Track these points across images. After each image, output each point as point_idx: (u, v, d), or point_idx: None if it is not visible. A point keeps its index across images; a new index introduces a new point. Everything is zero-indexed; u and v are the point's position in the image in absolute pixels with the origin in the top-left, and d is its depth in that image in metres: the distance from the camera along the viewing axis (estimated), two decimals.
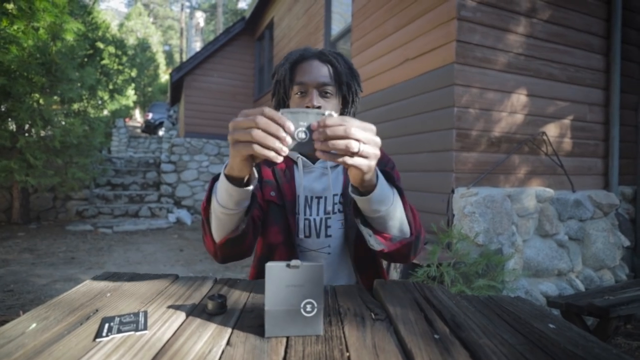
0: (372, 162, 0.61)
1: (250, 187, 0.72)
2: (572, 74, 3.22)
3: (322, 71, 0.95)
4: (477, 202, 2.57)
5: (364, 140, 0.58)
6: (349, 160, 0.58)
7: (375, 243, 0.74)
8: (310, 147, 0.59)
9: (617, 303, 2.10)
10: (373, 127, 0.61)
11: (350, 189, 0.72)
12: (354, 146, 0.57)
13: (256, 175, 0.73)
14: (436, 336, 0.58)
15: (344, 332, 0.59)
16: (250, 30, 8.65)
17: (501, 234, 2.61)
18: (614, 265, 3.22)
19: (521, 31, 2.94)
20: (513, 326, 0.64)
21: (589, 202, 3.18)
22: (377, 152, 0.61)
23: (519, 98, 2.96)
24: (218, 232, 0.78)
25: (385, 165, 1.02)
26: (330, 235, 0.97)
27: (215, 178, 0.78)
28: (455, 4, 2.67)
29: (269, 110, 0.57)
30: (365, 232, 0.75)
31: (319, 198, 0.99)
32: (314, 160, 1.03)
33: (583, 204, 3.11)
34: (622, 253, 3.32)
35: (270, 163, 1.03)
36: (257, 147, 0.56)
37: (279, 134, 0.56)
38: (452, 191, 2.71)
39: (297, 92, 0.96)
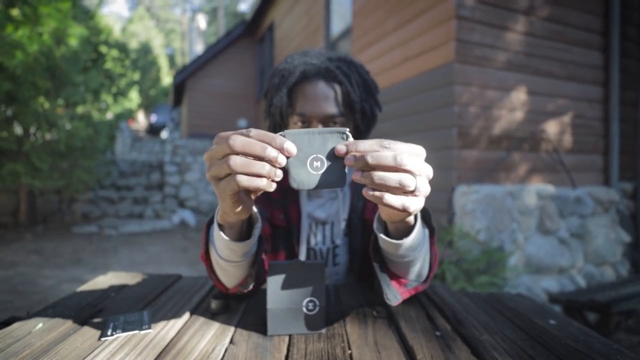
0: (423, 201, 0.46)
1: (254, 237, 0.57)
2: (571, 71, 3.21)
3: (329, 98, 0.77)
4: (478, 199, 2.57)
5: (417, 172, 0.42)
6: (403, 201, 0.42)
7: (392, 296, 0.59)
8: (331, 180, 0.43)
9: (618, 298, 2.10)
10: (422, 151, 0.45)
11: (375, 225, 0.57)
12: (410, 183, 0.41)
13: (258, 215, 0.58)
14: (437, 333, 0.59)
15: (345, 330, 0.59)
16: (251, 32, 8.67)
17: (502, 231, 2.61)
18: (615, 261, 3.21)
19: (520, 29, 2.94)
20: (514, 322, 0.64)
21: (590, 198, 3.17)
22: (429, 187, 0.46)
23: (519, 96, 2.96)
24: (228, 280, 0.64)
25: None
26: (338, 264, 0.89)
27: (210, 222, 0.62)
28: (453, 3, 2.67)
29: (251, 130, 0.42)
30: (384, 281, 0.60)
31: (323, 224, 0.88)
32: None
33: (583, 200, 3.11)
34: (623, 249, 3.32)
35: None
36: (241, 179, 0.41)
37: (265, 153, 0.41)
38: (453, 189, 2.71)
39: (297, 122, 0.80)
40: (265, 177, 0.42)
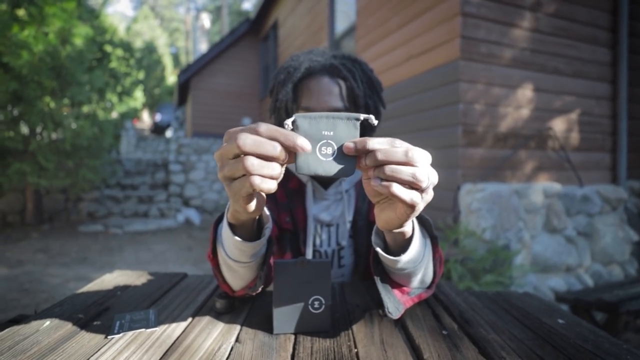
0: (426, 203, 0.45)
1: (264, 238, 0.57)
2: (578, 68, 3.18)
3: (333, 93, 0.78)
4: (483, 198, 2.55)
5: (427, 171, 0.42)
6: (412, 195, 0.41)
7: (394, 307, 0.55)
8: (340, 167, 0.41)
9: (626, 298, 2.07)
10: (429, 155, 0.44)
11: (373, 238, 0.56)
12: (423, 177, 0.41)
13: (268, 213, 0.58)
14: (444, 332, 0.58)
15: (352, 328, 0.59)
16: (255, 30, 8.68)
17: (508, 229, 2.59)
18: (623, 260, 3.18)
19: (526, 26, 2.91)
20: (522, 321, 0.63)
21: (597, 196, 3.14)
22: (432, 193, 0.45)
23: (525, 93, 2.94)
24: (234, 282, 0.63)
25: None
26: (343, 266, 0.89)
27: (218, 220, 0.62)
28: (459, 0, 2.65)
29: (260, 125, 0.40)
30: (385, 292, 0.57)
31: (329, 226, 0.88)
32: (326, 184, 0.88)
33: (591, 198, 3.08)
34: (631, 248, 3.28)
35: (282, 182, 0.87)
36: (256, 180, 0.39)
37: (276, 152, 0.39)
38: (459, 187, 2.70)
39: None
40: (276, 178, 0.40)
